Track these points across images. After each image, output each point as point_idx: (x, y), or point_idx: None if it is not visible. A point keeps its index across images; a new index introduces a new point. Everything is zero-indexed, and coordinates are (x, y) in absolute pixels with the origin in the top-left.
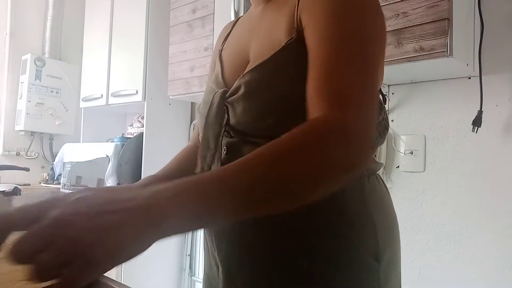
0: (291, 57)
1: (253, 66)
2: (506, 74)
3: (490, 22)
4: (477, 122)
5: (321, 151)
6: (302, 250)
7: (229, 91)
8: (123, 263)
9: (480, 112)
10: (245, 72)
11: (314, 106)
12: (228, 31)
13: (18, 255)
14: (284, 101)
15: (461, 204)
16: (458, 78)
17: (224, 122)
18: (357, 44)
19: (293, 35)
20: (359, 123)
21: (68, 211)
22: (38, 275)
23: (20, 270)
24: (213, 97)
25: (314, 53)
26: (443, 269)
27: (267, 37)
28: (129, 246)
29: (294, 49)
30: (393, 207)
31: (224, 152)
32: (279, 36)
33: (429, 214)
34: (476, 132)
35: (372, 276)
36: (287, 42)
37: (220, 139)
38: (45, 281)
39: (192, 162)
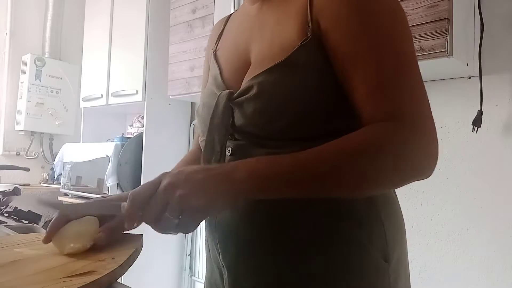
0: (306, 57)
1: (267, 67)
2: (506, 74)
3: (490, 22)
4: (477, 122)
5: (398, 154)
6: (312, 252)
7: (238, 92)
8: (211, 215)
9: (480, 112)
10: (258, 73)
11: (376, 111)
12: (221, 29)
13: (137, 204)
14: (298, 103)
15: (461, 204)
16: (458, 78)
17: (229, 124)
18: (399, 49)
19: (309, 35)
20: (426, 127)
21: (174, 180)
22: (161, 226)
23: (59, 267)
24: (218, 99)
25: (355, 63)
26: (443, 269)
27: (273, 37)
28: (215, 200)
29: (310, 50)
30: (400, 206)
31: (228, 154)
32: (289, 36)
33: (429, 214)
34: (476, 132)
35: (382, 277)
36: (302, 42)
37: (226, 141)
38: (164, 229)
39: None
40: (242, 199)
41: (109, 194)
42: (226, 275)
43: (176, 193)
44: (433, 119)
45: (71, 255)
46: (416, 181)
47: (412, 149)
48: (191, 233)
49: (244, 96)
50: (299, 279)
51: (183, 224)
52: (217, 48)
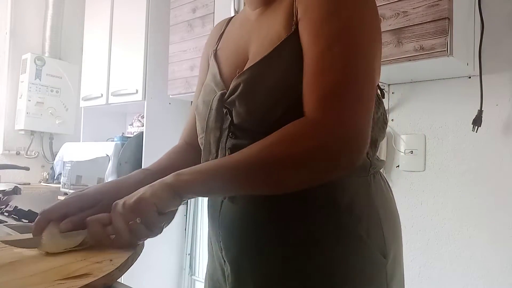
0: (291, 49)
1: (251, 64)
2: (506, 74)
3: (490, 21)
4: (477, 121)
5: (305, 152)
6: (314, 246)
7: (228, 91)
8: (162, 208)
9: (480, 112)
10: (243, 70)
11: (307, 104)
12: (222, 30)
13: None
14: (288, 93)
15: (461, 204)
16: (458, 77)
17: (227, 125)
18: (351, 40)
19: (293, 29)
20: (350, 124)
21: (127, 200)
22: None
23: (55, 269)
24: (212, 101)
25: (307, 49)
26: (443, 269)
27: (266, 36)
28: (152, 192)
29: (294, 42)
30: (396, 205)
31: (228, 154)
32: (279, 31)
33: (429, 213)
34: (476, 132)
35: (380, 272)
36: (287, 36)
37: (224, 142)
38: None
39: (185, 160)
40: (179, 192)
41: None
42: (228, 271)
43: (120, 204)
44: (363, 121)
45: (64, 255)
46: (416, 181)
47: (326, 144)
48: (191, 232)
49: (234, 95)
50: (301, 272)
51: (148, 226)
52: (217, 48)
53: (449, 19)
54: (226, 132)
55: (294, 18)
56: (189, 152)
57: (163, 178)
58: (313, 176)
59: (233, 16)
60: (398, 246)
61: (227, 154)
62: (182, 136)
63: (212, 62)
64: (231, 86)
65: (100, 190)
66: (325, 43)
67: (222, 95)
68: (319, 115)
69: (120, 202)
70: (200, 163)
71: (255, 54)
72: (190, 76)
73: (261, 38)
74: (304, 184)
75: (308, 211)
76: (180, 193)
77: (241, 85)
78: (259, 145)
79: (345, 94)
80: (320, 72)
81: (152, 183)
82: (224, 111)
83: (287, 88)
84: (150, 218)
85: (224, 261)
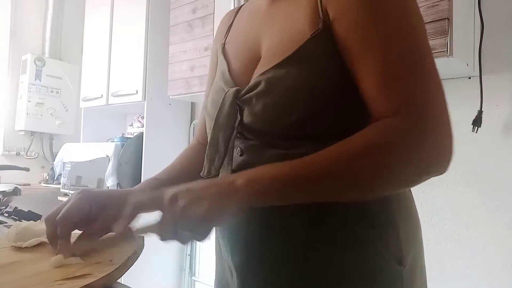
0: (317, 49)
1: (275, 63)
2: (506, 74)
3: (490, 22)
4: (477, 122)
5: (405, 154)
6: (323, 254)
7: (245, 89)
8: (214, 225)
9: (480, 112)
10: (266, 69)
11: (382, 105)
12: (230, 21)
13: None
14: (309, 98)
15: (461, 204)
16: (458, 78)
17: (237, 124)
18: (410, 39)
19: (319, 26)
20: (436, 121)
21: (176, 192)
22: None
23: (55, 270)
24: (224, 97)
25: (360, 53)
26: (443, 269)
27: (283, 31)
28: (217, 206)
29: (320, 41)
30: (415, 204)
31: (239, 154)
32: (300, 28)
33: (429, 214)
34: (476, 132)
35: (395, 281)
36: (313, 34)
37: (232, 141)
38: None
39: (199, 162)
40: (244, 205)
41: None
42: (235, 277)
43: (178, 205)
44: (447, 112)
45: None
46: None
47: (420, 146)
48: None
49: (253, 92)
50: (309, 281)
51: (195, 234)
52: (225, 42)
53: (449, 19)
54: (234, 132)
55: (321, 14)
56: (202, 154)
57: (234, 187)
58: (407, 180)
59: (242, 6)
60: (417, 248)
61: (237, 154)
62: (196, 135)
63: (221, 57)
64: (250, 83)
65: (110, 195)
66: (384, 45)
67: (238, 91)
68: (408, 117)
69: (178, 203)
70: None
71: (270, 51)
72: (190, 77)
73: (276, 32)
74: (395, 189)
75: (317, 217)
76: (246, 206)
77: (262, 83)
78: (349, 151)
79: (427, 94)
80: (388, 77)
81: (229, 182)
82: (237, 109)
83: (309, 90)
84: (205, 232)
85: (231, 265)
